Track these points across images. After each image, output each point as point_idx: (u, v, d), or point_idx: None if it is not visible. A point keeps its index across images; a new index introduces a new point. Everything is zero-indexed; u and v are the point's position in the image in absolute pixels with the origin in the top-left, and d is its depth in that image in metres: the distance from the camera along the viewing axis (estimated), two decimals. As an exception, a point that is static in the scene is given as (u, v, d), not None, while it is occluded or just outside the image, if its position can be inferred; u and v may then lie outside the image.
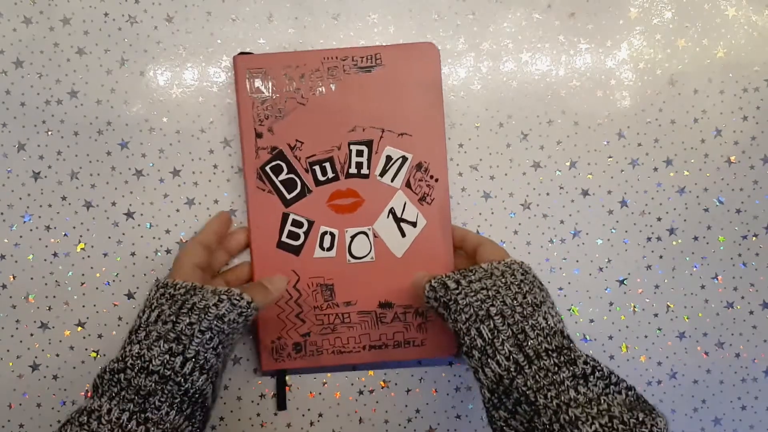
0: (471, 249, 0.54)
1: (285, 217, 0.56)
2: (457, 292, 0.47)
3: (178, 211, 0.58)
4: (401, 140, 0.56)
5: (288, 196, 0.56)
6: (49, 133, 0.57)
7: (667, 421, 0.40)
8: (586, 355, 0.44)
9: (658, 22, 0.60)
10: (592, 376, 0.42)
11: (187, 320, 0.45)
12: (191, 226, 0.58)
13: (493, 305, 0.45)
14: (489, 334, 0.44)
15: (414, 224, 0.56)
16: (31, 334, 0.57)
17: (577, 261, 0.60)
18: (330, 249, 0.56)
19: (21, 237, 0.57)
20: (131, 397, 0.44)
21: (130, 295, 0.58)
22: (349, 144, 0.55)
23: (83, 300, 0.57)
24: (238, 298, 0.47)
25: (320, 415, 0.59)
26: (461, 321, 0.46)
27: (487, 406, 0.45)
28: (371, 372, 0.59)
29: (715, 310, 0.60)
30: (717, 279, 0.60)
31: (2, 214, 0.57)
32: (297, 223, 0.56)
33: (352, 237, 0.56)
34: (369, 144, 0.55)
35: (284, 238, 0.56)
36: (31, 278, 0.57)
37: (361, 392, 0.59)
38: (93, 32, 0.57)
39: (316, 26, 0.58)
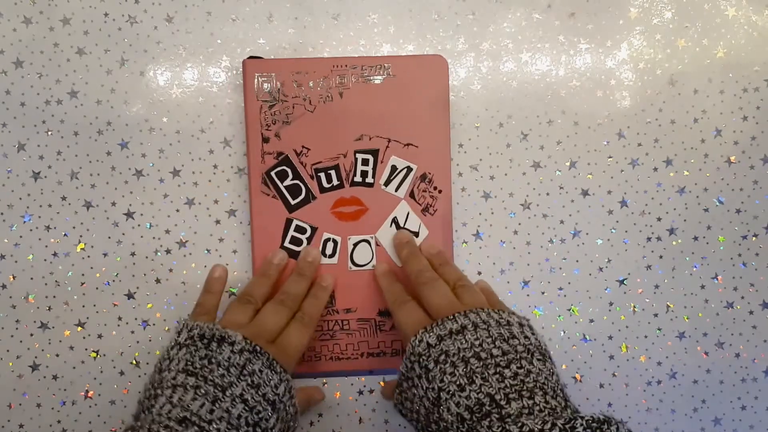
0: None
1: (288, 222, 0.56)
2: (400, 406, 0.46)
3: (178, 211, 0.58)
4: (407, 151, 0.56)
5: (292, 202, 0.56)
6: (49, 133, 0.57)
7: None
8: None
9: (658, 22, 0.60)
10: None
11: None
12: (191, 226, 0.58)
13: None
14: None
15: (416, 234, 0.56)
16: (31, 334, 0.57)
17: (577, 261, 0.60)
18: (332, 256, 0.56)
19: (21, 237, 0.57)
20: None
21: (130, 295, 0.58)
22: (355, 152, 0.56)
23: (83, 300, 0.57)
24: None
25: (320, 415, 0.59)
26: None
27: None
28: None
29: (715, 310, 0.60)
30: (717, 279, 0.60)
31: (2, 214, 0.57)
32: (300, 229, 0.56)
33: (355, 245, 0.56)
34: (375, 153, 0.56)
35: (287, 244, 0.56)
36: (31, 278, 0.57)
37: (360, 392, 0.59)
38: (93, 32, 0.57)
39: (316, 26, 0.58)
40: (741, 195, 0.60)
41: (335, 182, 0.56)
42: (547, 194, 0.60)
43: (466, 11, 0.59)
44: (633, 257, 0.60)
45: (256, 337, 0.46)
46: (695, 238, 0.60)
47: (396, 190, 0.56)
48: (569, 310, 0.60)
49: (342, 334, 0.56)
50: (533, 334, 0.44)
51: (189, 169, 0.58)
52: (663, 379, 0.60)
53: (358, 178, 0.56)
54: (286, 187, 0.55)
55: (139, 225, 0.58)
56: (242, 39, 0.58)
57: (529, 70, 0.59)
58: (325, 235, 0.56)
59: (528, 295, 0.59)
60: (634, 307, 0.60)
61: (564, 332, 0.60)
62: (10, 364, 0.57)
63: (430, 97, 0.55)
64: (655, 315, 0.60)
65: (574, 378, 0.60)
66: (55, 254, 0.57)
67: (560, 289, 0.60)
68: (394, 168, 0.56)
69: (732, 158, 0.60)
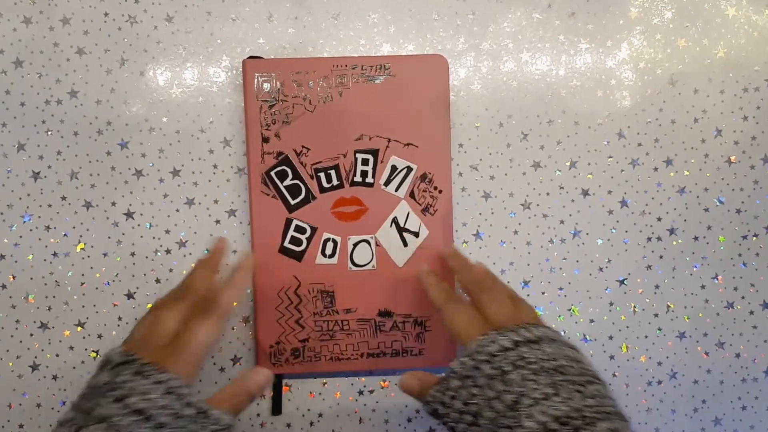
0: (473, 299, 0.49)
1: (288, 222, 0.56)
2: (450, 420, 0.42)
3: (178, 211, 0.58)
4: (407, 150, 0.56)
5: (292, 202, 0.56)
6: (49, 133, 0.57)
7: None
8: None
9: (659, 22, 0.60)
10: None
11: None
12: (191, 226, 0.58)
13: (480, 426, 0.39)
14: None
15: (416, 234, 0.56)
16: (31, 334, 0.57)
17: (577, 261, 0.60)
18: (332, 256, 0.56)
19: (21, 237, 0.57)
20: None
21: (129, 295, 0.58)
22: (355, 152, 0.56)
23: (83, 300, 0.57)
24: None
25: (320, 415, 0.59)
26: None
27: None
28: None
29: (716, 310, 0.60)
30: (717, 279, 0.60)
31: (2, 214, 0.57)
32: (300, 229, 0.56)
33: (355, 245, 0.56)
34: (375, 153, 0.56)
35: (286, 244, 0.56)
36: (31, 278, 0.57)
37: (361, 392, 0.59)
38: (93, 32, 0.57)
39: (316, 26, 0.58)
40: (741, 195, 0.60)
41: (335, 182, 0.56)
42: (547, 194, 0.60)
43: (466, 11, 0.59)
44: (633, 257, 0.60)
45: (142, 343, 0.43)
46: (695, 238, 0.60)
47: (396, 190, 0.56)
48: (569, 310, 0.60)
49: (342, 334, 0.56)
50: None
51: (189, 169, 0.58)
52: (663, 379, 0.60)
53: (358, 178, 0.56)
54: (285, 187, 0.55)
55: (139, 225, 0.58)
56: (242, 39, 0.58)
57: (530, 69, 0.59)
58: (325, 235, 0.56)
59: (528, 295, 0.59)
60: (635, 307, 0.60)
61: (564, 332, 0.60)
62: (10, 364, 0.57)
63: (430, 97, 0.55)
64: (656, 315, 0.60)
65: (575, 378, 0.60)
66: (55, 254, 0.57)
67: (560, 289, 0.60)
68: (394, 168, 0.56)
69: (732, 158, 0.60)
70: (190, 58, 0.58)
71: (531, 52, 0.59)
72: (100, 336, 0.58)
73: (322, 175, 0.56)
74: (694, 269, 0.60)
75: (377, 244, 0.56)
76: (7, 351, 0.57)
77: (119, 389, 0.39)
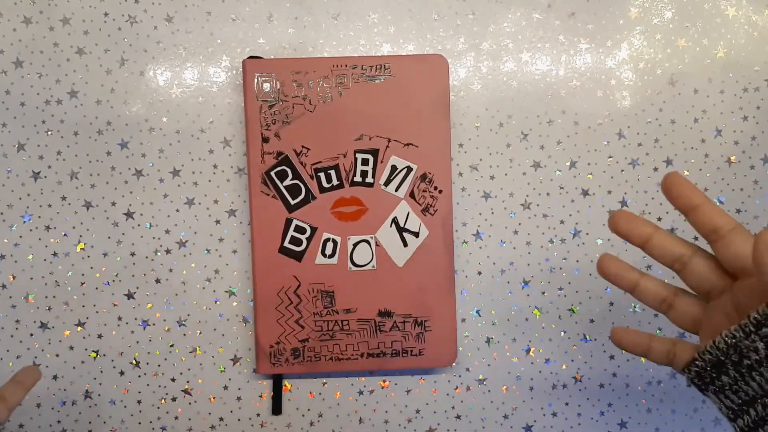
0: (706, 232, 0.39)
1: (288, 222, 0.56)
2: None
3: (178, 211, 0.58)
4: (407, 150, 0.56)
5: (292, 202, 0.56)
6: (49, 133, 0.57)
7: None
8: None
9: (659, 22, 0.60)
10: None
11: None
12: (191, 226, 0.58)
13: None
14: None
15: (416, 234, 0.56)
16: (31, 334, 0.57)
17: (577, 261, 0.60)
18: (332, 256, 0.56)
19: (21, 237, 0.57)
20: None
21: (129, 295, 0.58)
22: (355, 152, 0.56)
23: (83, 300, 0.57)
24: None
25: (320, 415, 0.59)
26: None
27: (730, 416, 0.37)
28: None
29: (716, 310, 0.60)
30: (717, 279, 0.60)
31: (2, 214, 0.57)
32: (300, 229, 0.56)
33: (355, 245, 0.56)
34: (375, 153, 0.56)
35: (286, 244, 0.56)
36: (31, 278, 0.57)
37: (361, 392, 0.59)
38: (93, 32, 0.57)
39: (316, 26, 0.58)
40: (741, 195, 0.60)
41: (335, 182, 0.56)
42: (547, 194, 0.60)
43: (466, 11, 0.59)
44: (633, 257, 0.60)
45: None
46: (696, 238, 0.60)
47: (396, 190, 0.56)
48: (569, 310, 0.60)
49: (342, 334, 0.56)
50: None
51: (189, 169, 0.58)
52: (663, 379, 0.60)
53: (357, 178, 0.56)
54: (285, 187, 0.55)
55: (138, 225, 0.58)
56: (242, 39, 0.58)
57: (530, 69, 0.59)
58: (325, 235, 0.56)
59: (528, 295, 0.59)
60: (635, 307, 0.60)
61: (564, 332, 0.60)
62: (10, 364, 0.57)
63: (430, 97, 0.55)
64: (656, 315, 0.60)
65: (574, 378, 0.60)
66: (55, 254, 0.57)
67: (560, 289, 0.60)
68: (394, 168, 0.56)
69: (732, 158, 0.60)
70: (190, 58, 0.58)
71: (531, 52, 0.59)
72: (100, 336, 0.58)
73: (322, 175, 0.56)
74: (694, 269, 0.60)
75: (377, 244, 0.56)
76: (7, 351, 0.57)
77: None
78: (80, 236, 0.57)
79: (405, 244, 0.56)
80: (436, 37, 0.59)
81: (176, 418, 0.58)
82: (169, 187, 0.58)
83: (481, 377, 0.59)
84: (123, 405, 0.58)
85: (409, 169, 0.56)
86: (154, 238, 0.58)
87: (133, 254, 0.58)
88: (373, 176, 0.56)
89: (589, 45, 0.59)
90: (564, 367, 0.60)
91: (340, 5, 0.58)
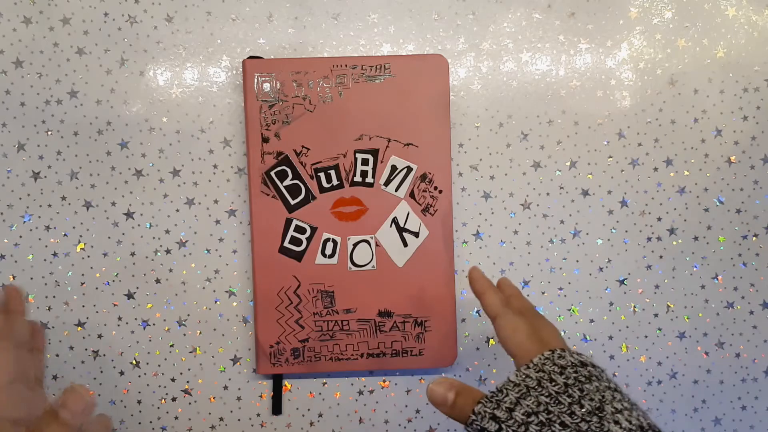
0: (487, 314, 0.47)
1: (288, 222, 0.56)
2: None
3: (178, 211, 0.58)
4: (407, 150, 0.56)
5: (292, 202, 0.56)
6: (49, 133, 0.57)
7: None
8: None
9: (659, 22, 0.60)
10: None
11: None
12: (191, 226, 0.58)
13: None
14: None
15: (417, 234, 0.56)
16: (31, 334, 0.57)
17: (577, 261, 0.60)
18: (332, 256, 0.56)
19: (21, 237, 0.57)
20: None
21: (129, 296, 0.58)
22: (355, 152, 0.56)
23: (83, 300, 0.57)
24: None
25: (320, 415, 0.59)
26: None
27: None
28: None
29: (716, 310, 0.60)
30: (717, 279, 0.60)
31: (2, 214, 0.57)
32: (300, 229, 0.56)
33: (354, 245, 0.56)
34: (375, 153, 0.56)
35: (286, 244, 0.56)
36: (31, 278, 0.57)
37: (361, 392, 0.59)
38: (93, 32, 0.57)
39: (316, 26, 0.58)
40: (741, 195, 0.60)
41: (335, 182, 0.56)
42: (547, 194, 0.60)
43: (466, 11, 0.59)
44: (633, 257, 0.60)
45: None
46: (695, 238, 0.60)
47: (396, 190, 0.56)
48: (569, 310, 0.60)
49: (342, 334, 0.56)
50: None
51: (189, 169, 0.58)
52: (663, 379, 0.60)
53: (357, 178, 0.56)
54: (285, 187, 0.55)
55: (138, 225, 0.58)
56: (242, 39, 0.58)
57: (530, 69, 0.59)
58: (325, 235, 0.56)
59: (528, 295, 0.59)
60: (635, 307, 0.60)
61: (564, 332, 0.60)
62: (10, 364, 0.57)
63: (430, 97, 0.55)
64: (656, 315, 0.60)
65: (574, 378, 0.60)
66: (55, 254, 0.57)
67: (560, 289, 0.60)
68: (394, 168, 0.56)
69: (732, 158, 0.60)
70: (190, 58, 0.58)
71: (531, 52, 0.59)
72: (100, 336, 0.58)
73: (322, 175, 0.56)
74: (694, 269, 0.60)
75: (377, 244, 0.56)
76: (7, 351, 0.57)
77: None
78: (80, 236, 0.57)
79: (405, 244, 0.56)
80: (436, 37, 0.59)
81: (176, 418, 0.58)
82: (169, 187, 0.58)
83: (481, 377, 0.59)
84: (123, 405, 0.58)
85: (409, 169, 0.56)
86: (154, 238, 0.58)
87: (133, 254, 0.58)
88: (373, 176, 0.56)
89: (589, 45, 0.59)
90: (564, 367, 0.60)
91: (340, 5, 0.58)
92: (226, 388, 0.58)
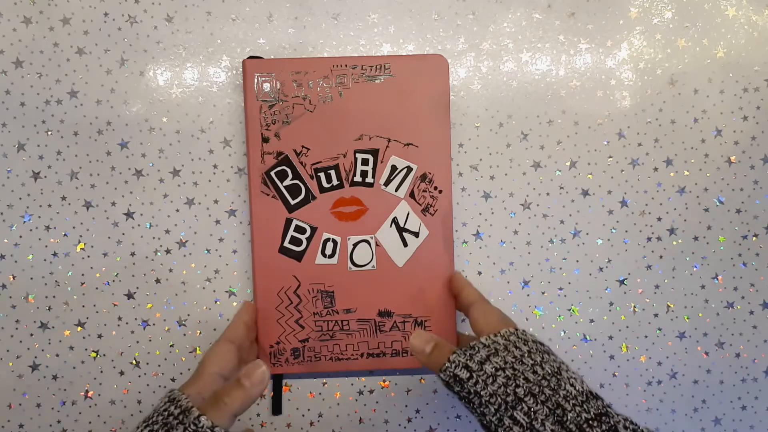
0: (463, 305, 0.53)
1: (288, 222, 0.56)
2: (474, 382, 0.43)
3: (177, 211, 0.58)
4: (407, 150, 0.56)
5: (292, 202, 0.56)
6: (49, 133, 0.57)
7: None
8: (623, 417, 0.41)
9: (659, 22, 0.60)
10: None
11: None
12: (191, 226, 0.58)
13: (518, 386, 0.41)
14: (525, 418, 0.40)
15: (416, 234, 0.56)
16: (31, 334, 0.57)
17: (577, 261, 0.60)
18: (332, 256, 0.56)
19: (21, 237, 0.57)
20: None
21: (129, 296, 0.58)
22: (355, 152, 0.56)
23: (83, 300, 0.57)
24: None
25: (320, 415, 0.59)
26: (490, 414, 0.42)
27: None
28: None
29: (716, 310, 0.60)
30: (717, 279, 0.60)
31: (2, 214, 0.57)
32: (300, 229, 0.56)
33: (355, 245, 0.56)
34: (375, 153, 0.56)
35: (286, 244, 0.56)
36: (31, 278, 0.57)
37: (360, 392, 0.59)
38: (93, 32, 0.57)
39: (316, 26, 0.58)
40: (741, 195, 0.60)
41: (335, 182, 0.56)
42: (547, 194, 0.60)
43: (466, 11, 0.59)
44: (633, 257, 0.60)
45: None
46: (695, 238, 0.60)
47: (396, 190, 0.56)
48: (569, 310, 0.60)
49: (342, 334, 0.56)
50: None
51: (189, 169, 0.58)
52: (663, 379, 0.60)
53: (357, 178, 0.56)
54: (285, 187, 0.55)
55: (138, 225, 0.58)
56: (242, 39, 0.58)
57: (530, 69, 0.59)
58: (325, 235, 0.56)
59: (528, 295, 0.59)
60: (635, 307, 0.60)
61: (564, 332, 0.60)
62: (10, 364, 0.57)
63: (430, 97, 0.55)
64: (656, 315, 0.60)
65: (574, 378, 0.60)
66: (55, 254, 0.57)
67: (560, 289, 0.60)
68: (394, 168, 0.56)
69: (732, 158, 0.60)
70: (190, 58, 0.58)
71: (531, 52, 0.59)
72: (100, 336, 0.58)
73: (322, 175, 0.56)
74: (694, 269, 0.60)
75: (377, 244, 0.56)
76: (7, 351, 0.57)
77: None
78: (80, 236, 0.57)
79: (405, 244, 0.56)
80: (436, 37, 0.59)
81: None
82: (169, 187, 0.58)
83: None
84: (123, 405, 0.58)
85: (409, 169, 0.56)
86: (154, 238, 0.58)
87: (133, 254, 0.58)
88: (373, 176, 0.56)
89: (589, 45, 0.59)
90: (564, 367, 0.60)
91: (340, 5, 0.58)
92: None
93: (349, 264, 0.56)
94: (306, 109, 0.55)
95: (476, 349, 0.44)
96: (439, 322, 0.57)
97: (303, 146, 0.55)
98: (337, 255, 0.56)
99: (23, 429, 0.57)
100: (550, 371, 0.43)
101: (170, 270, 0.58)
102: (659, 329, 0.60)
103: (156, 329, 0.58)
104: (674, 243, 0.60)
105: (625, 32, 0.60)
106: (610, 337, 0.60)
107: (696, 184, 0.60)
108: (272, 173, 0.55)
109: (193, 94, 0.58)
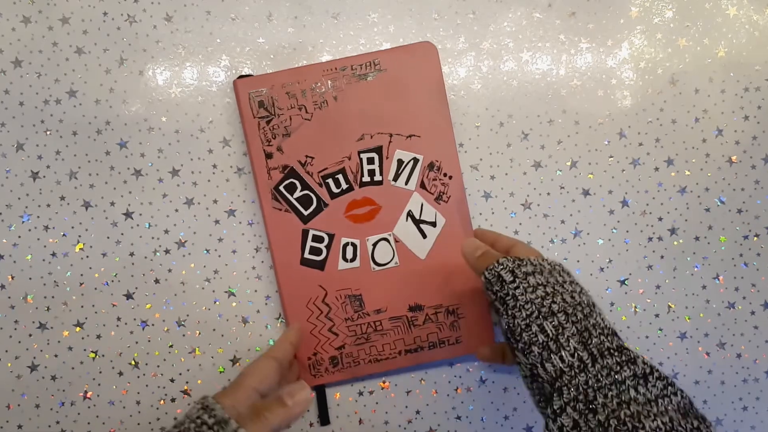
0: (503, 251, 0.52)
1: (305, 233, 0.55)
2: (515, 286, 0.45)
3: (177, 211, 0.58)
4: (410, 142, 0.55)
5: (305, 213, 0.55)
6: (48, 132, 0.57)
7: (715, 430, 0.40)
8: (643, 357, 0.43)
9: (659, 22, 0.59)
10: (651, 377, 0.41)
11: None
12: (190, 226, 0.58)
13: (554, 302, 0.44)
14: (553, 331, 0.43)
15: (434, 224, 0.56)
16: (30, 335, 0.57)
17: (578, 261, 0.60)
18: (353, 259, 0.56)
19: (19, 237, 0.57)
20: None
21: (128, 296, 0.57)
22: (359, 153, 0.55)
23: (82, 300, 0.57)
24: None
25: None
26: (520, 317, 0.44)
27: (541, 406, 0.44)
28: (371, 372, 0.59)
29: (717, 310, 0.60)
30: (718, 279, 0.60)
31: (1, 214, 0.57)
32: (317, 238, 0.55)
33: (374, 245, 0.56)
34: (379, 150, 0.55)
35: (307, 255, 0.55)
36: (30, 278, 0.57)
37: (360, 393, 0.59)
38: (92, 31, 0.57)
39: (316, 26, 0.58)
40: (742, 195, 0.60)
41: (344, 186, 0.55)
42: (548, 194, 0.59)
43: (467, 10, 0.59)
44: (634, 257, 0.60)
45: None
46: (696, 238, 0.60)
47: (406, 183, 0.56)
48: (570, 310, 0.60)
49: (376, 335, 0.56)
50: None
51: (188, 169, 0.58)
52: (664, 379, 0.60)
53: (366, 178, 0.56)
54: (296, 199, 0.55)
55: (138, 225, 0.57)
56: (242, 38, 0.58)
57: (530, 69, 0.59)
58: (343, 240, 0.55)
59: (528, 296, 0.59)
60: (635, 307, 0.60)
61: (565, 332, 0.60)
62: (9, 364, 0.57)
63: (424, 85, 0.55)
64: (656, 315, 0.60)
65: (575, 378, 0.59)
66: (53, 254, 0.57)
67: (561, 289, 0.60)
68: (400, 162, 0.56)
69: (733, 158, 0.60)
70: (189, 57, 0.58)
71: (531, 51, 0.59)
72: (99, 336, 0.57)
73: (330, 181, 0.55)
74: (695, 269, 0.60)
75: (396, 240, 0.56)
76: (6, 351, 0.57)
77: None
78: (79, 236, 0.57)
79: (424, 236, 0.56)
80: (436, 36, 0.59)
81: (175, 418, 0.58)
82: (169, 187, 0.58)
83: (481, 378, 0.59)
84: (122, 406, 0.58)
85: (416, 161, 0.56)
86: (153, 238, 0.57)
87: (132, 254, 0.57)
88: (381, 174, 0.56)
89: (590, 44, 0.59)
90: (565, 367, 0.59)
91: (340, 4, 0.58)
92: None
93: (372, 264, 0.56)
94: (303, 119, 0.55)
95: (525, 262, 0.47)
96: (471, 307, 0.56)
97: (307, 156, 0.55)
98: (358, 258, 0.56)
99: (22, 430, 0.57)
100: (585, 302, 0.45)
101: (169, 270, 0.58)
102: (660, 329, 0.60)
103: (155, 330, 0.58)
104: (675, 243, 0.60)
105: (625, 31, 0.59)
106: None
107: (697, 183, 0.60)
108: (281, 188, 0.55)
109: (193, 93, 0.57)
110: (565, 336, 0.42)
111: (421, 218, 0.56)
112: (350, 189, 0.56)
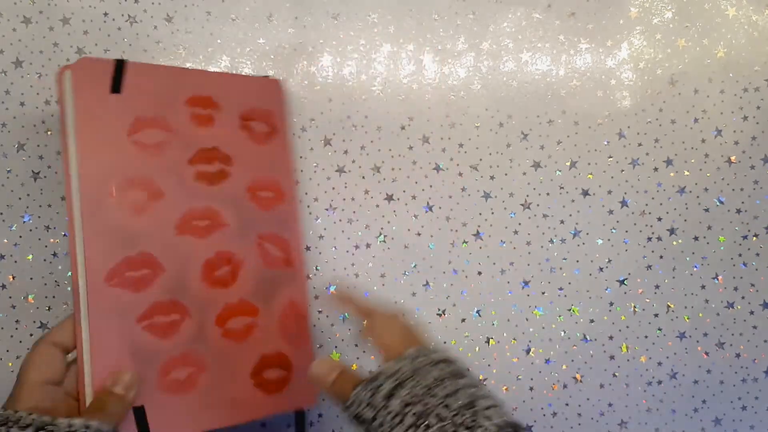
0: (363, 316, 0.49)
1: None
2: (379, 423, 0.39)
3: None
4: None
5: None
6: (49, 133, 0.57)
7: None
8: None
9: (659, 22, 0.60)
10: None
11: None
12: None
13: (429, 426, 0.37)
14: None
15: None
16: (31, 335, 0.57)
17: (578, 261, 0.60)
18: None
19: (20, 237, 0.57)
20: None
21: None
22: None
23: (83, 300, 0.57)
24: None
25: (320, 415, 0.59)
26: None
27: None
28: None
29: (716, 310, 0.60)
30: (717, 279, 0.60)
31: (2, 214, 0.57)
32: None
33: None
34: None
35: None
36: (31, 278, 0.57)
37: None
38: (93, 32, 0.57)
39: (316, 26, 0.58)
40: (741, 195, 0.60)
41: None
42: (548, 194, 0.60)
43: (466, 11, 0.59)
44: (633, 257, 0.60)
45: None
46: (695, 238, 0.60)
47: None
48: (569, 310, 0.60)
49: None
50: None
51: (189, 169, 0.58)
52: (663, 379, 0.60)
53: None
54: None
55: (138, 225, 0.57)
56: (242, 39, 0.58)
57: (530, 69, 0.59)
58: None
59: (528, 295, 0.59)
60: (635, 307, 0.60)
61: (564, 332, 0.60)
62: (10, 364, 0.57)
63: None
64: (656, 315, 0.60)
65: (575, 378, 0.60)
66: (54, 254, 0.57)
67: (560, 289, 0.60)
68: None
69: (732, 158, 0.60)
70: (189, 58, 0.58)
71: (531, 52, 0.59)
72: (99, 336, 0.57)
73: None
74: (695, 269, 0.60)
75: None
76: (7, 351, 0.57)
77: None
78: (80, 236, 0.57)
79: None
80: (436, 36, 0.59)
81: None
82: (169, 187, 0.58)
83: (481, 377, 0.59)
84: (123, 405, 0.58)
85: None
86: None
87: (132, 254, 0.58)
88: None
89: (589, 45, 0.59)
90: (564, 367, 0.60)
91: (340, 5, 0.58)
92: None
93: None
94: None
95: (381, 381, 0.40)
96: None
97: None
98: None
99: (23, 429, 0.57)
100: (463, 403, 0.38)
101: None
102: (659, 329, 0.60)
103: (156, 329, 0.58)
104: (674, 243, 0.60)
105: (625, 32, 0.60)
106: (611, 338, 0.60)
107: (696, 184, 0.60)
108: None
109: (193, 94, 0.58)
110: None
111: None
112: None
